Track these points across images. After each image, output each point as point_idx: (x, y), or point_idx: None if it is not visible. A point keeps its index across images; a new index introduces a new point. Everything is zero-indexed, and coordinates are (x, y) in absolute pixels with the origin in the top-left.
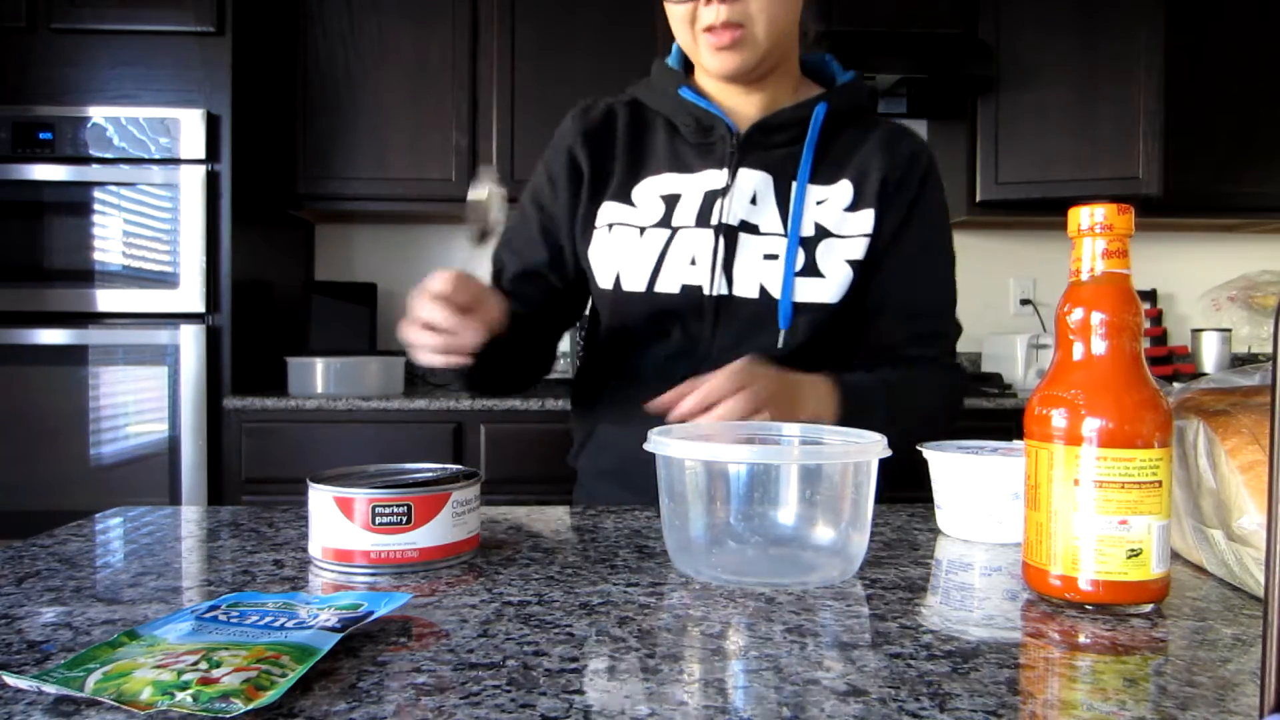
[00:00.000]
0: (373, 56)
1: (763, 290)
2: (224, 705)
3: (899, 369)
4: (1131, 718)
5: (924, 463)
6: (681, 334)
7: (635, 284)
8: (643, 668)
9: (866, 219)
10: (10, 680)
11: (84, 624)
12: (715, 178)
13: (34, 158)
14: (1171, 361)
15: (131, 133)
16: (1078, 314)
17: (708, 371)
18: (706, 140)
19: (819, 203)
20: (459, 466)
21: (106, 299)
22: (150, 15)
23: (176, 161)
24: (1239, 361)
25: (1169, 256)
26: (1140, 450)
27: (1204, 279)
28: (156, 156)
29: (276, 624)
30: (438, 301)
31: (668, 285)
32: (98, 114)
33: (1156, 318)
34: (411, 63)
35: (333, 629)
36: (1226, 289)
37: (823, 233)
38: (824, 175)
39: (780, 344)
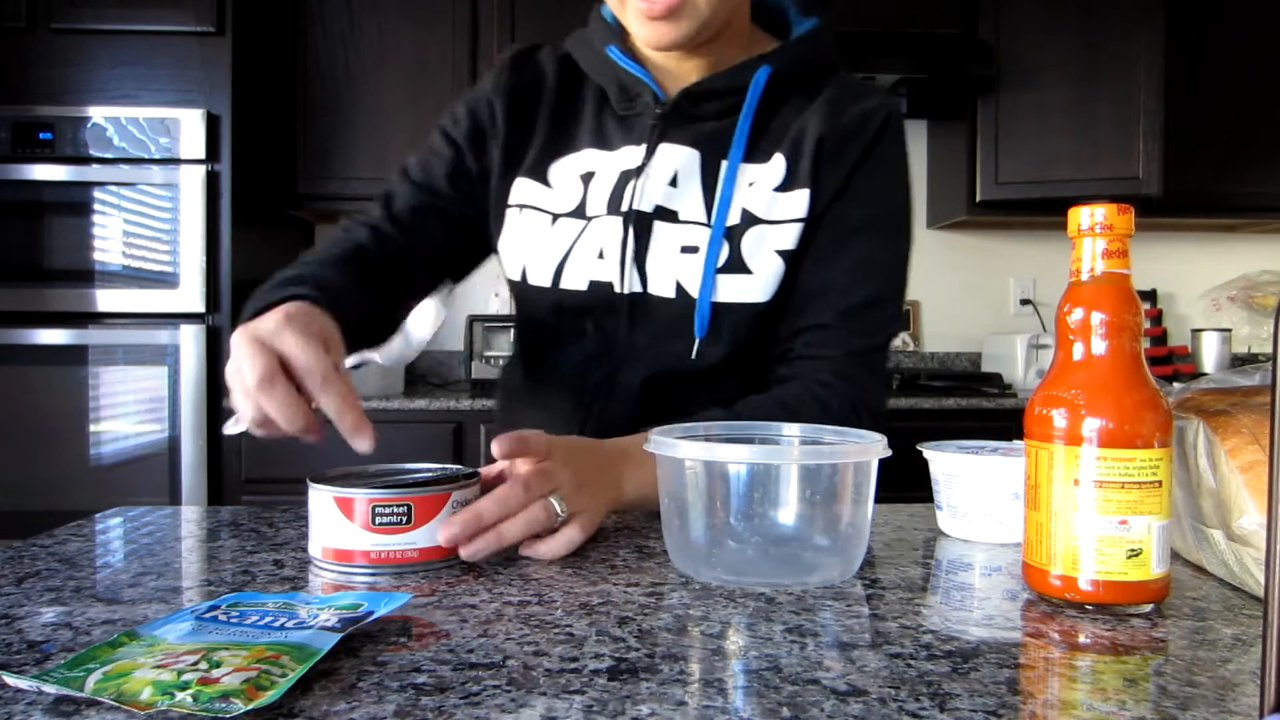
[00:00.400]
0: (373, 56)
1: (680, 289)
2: (224, 705)
3: (764, 394)
4: (1131, 718)
5: (924, 462)
6: (596, 334)
7: (541, 278)
8: (643, 668)
9: (800, 201)
10: (10, 680)
11: (84, 624)
12: (632, 155)
13: (34, 158)
14: (1171, 361)
15: (131, 133)
16: (1078, 314)
17: (616, 394)
18: (631, 111)
19: (750, 184)
20: (458, 466)
21: (106, 299)
22: (150, 15)
23: (176, 161)
24: (1239, 361)
25: (1169, 256)
26: (1140, 450)
27: (1204, 279)
28: (156, 156)
29: (276, 624)
30: (265, 394)
31: (574, 281)
32: (98, 114)
33: (1156, 318)
34: (411, 63)
35: (333, 629)
36: (1226, 289)
37: (750, 220)
38: (761, 151)
39: (694, 353)
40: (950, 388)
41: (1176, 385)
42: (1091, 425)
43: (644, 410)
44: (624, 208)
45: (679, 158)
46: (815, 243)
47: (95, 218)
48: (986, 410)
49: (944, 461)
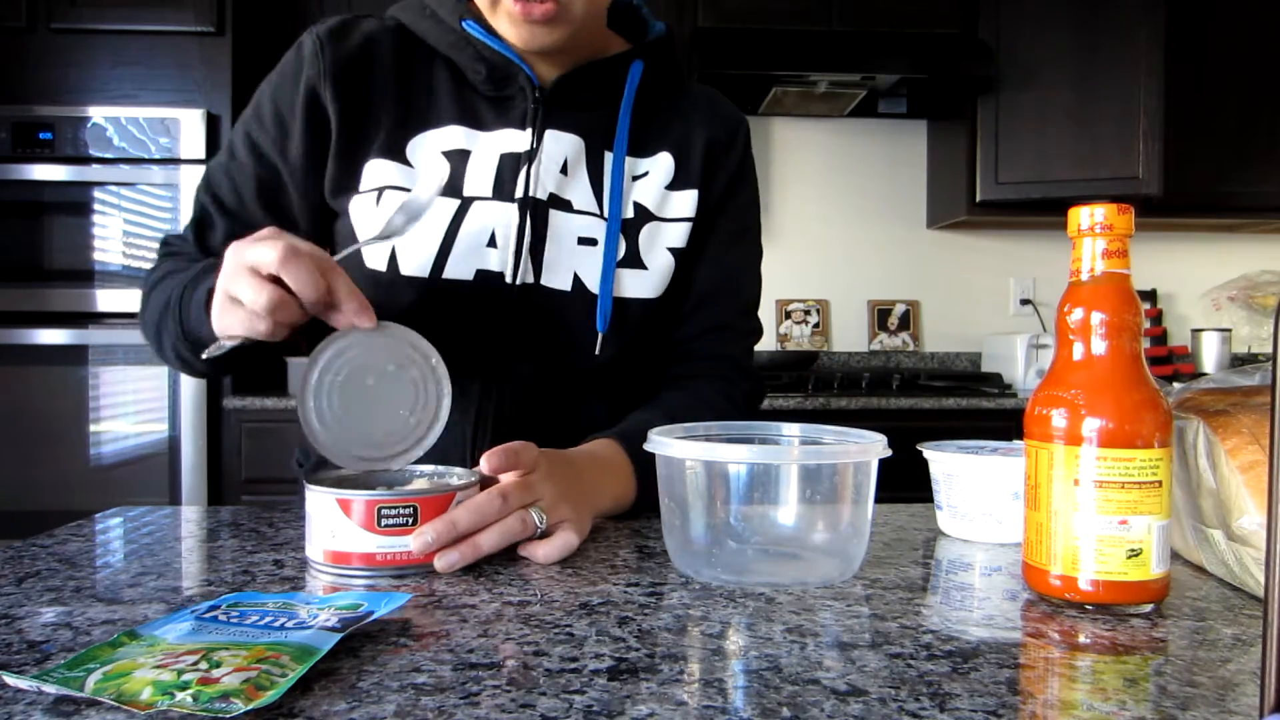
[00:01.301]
0: None
1: (577, 281)
2: (224, 705)
3: (681, 391)
4: (1131, 718)
5: (924, 462)
6: (477, 334)
7: (416, 267)
8: (643, 668)
9: (688, 200)
10: (10, 680)
11: (84, 624)
12: (515, 139)
13: (34, 158)
14: (1171, 361)
15: (131, 133)
16: (1078, 314)
17: (505, 389)
18: (502, 93)
19: (636, 178)
20: (454, 468)
21: (106, 299)
22: (150, 15)
23: (176, 161)
24: (1239, 361)
25: (1169, 256)
26: (1140, 450)
27: (1204, 279)
28: (156, 156)
29: (276, 624)
30: (303, 263)
31: (459, 270)
32: (98, 114)
33: (1156, 318)
34: None
35: (333, 629)
36: (1226, 289)
37: (644, 215)
38: (641, 145)
39: (598, 349)
40: (950, 388)
41: (1176, 385)
42: (1091, 425)
43: (534, 407)
44: (518, 194)
45: (567, 145)
46: (709, 244)
47: (95, 218)
48: (986, 410)
49: (944, 461)
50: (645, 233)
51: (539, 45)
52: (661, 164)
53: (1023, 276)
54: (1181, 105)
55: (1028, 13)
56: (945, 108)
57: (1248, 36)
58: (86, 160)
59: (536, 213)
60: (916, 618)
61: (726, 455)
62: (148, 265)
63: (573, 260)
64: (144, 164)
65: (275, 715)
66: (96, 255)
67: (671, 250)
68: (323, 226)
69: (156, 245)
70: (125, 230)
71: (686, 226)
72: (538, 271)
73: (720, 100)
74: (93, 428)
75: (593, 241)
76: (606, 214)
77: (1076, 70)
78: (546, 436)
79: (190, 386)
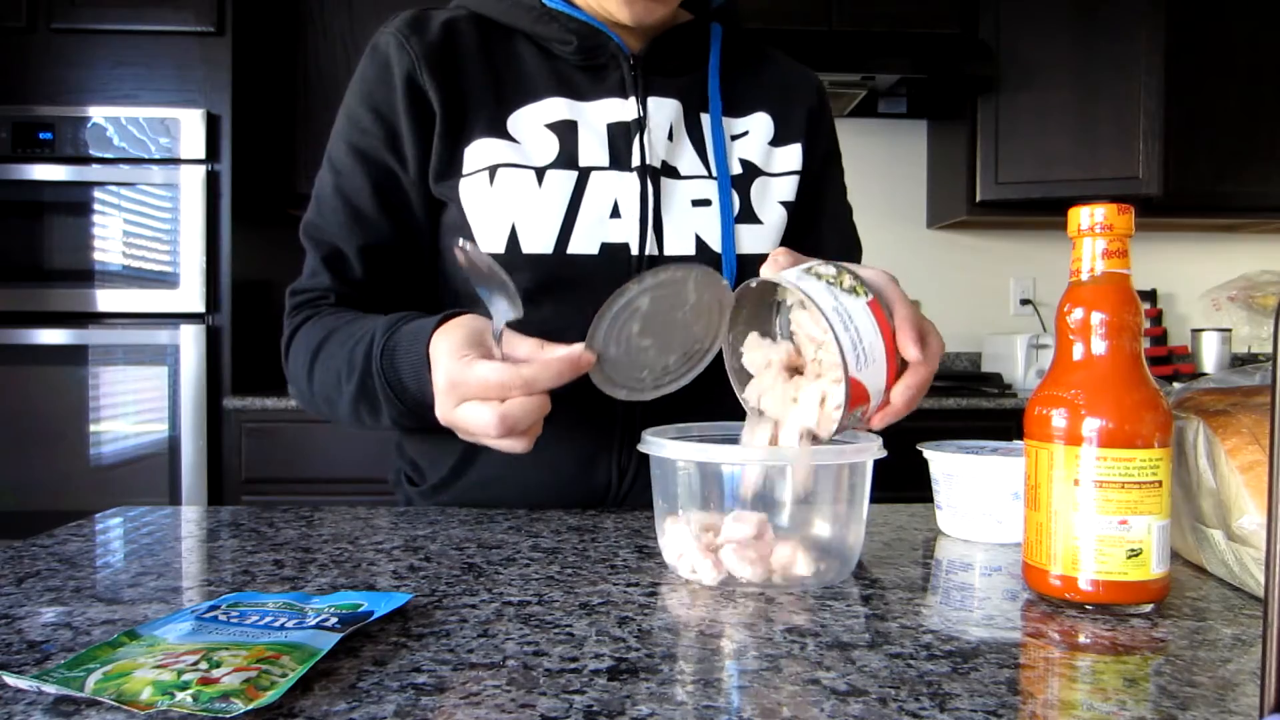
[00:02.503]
0: None
1: (699, 243)
2: (224, 705)
3: None
4: (1131, 718)
5: (924, 462)
6: (595, 310)
7: (539, 243)
8: (643, 668)
9: (793, 154)
10: (10, 680)
11: (84, 624)
12: (620, 108)
13: (34, 158)
14: (1171, 361)
15: (131, 133)
16: (1078, 314)
17: None
18: (594, 61)
19: (735, 137)
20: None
21: (106, 299)
22: (150, 15)
23: (176, 161)
24: (1239, 361)
25: (1169, 256)
26: (1140, 450)
27: (1204, 279)
28: (156, 156)
29: (276, 624)
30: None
31: (584, 245)
32: (98, 114)
33: (1156, 318)
34: None
35: (333, 629)
36: (1226, 289)
37: (752, 171)
38: (733, 105)
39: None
40: (950, 388)
41: (1176, 385)
42: (1091, 425)
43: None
44: (635, 162)
45: (670, 111)
46: (820, 198)
47: (95, 218)
48: (986, 410)
49: (944, 461)
50: (756, 187)
51: (654, 19)
52: (760, 123)
53: (1023, 276)
54: (1181, 105)
55: (1028, 13)
56: (945, 108)
57: (1248, 36)
58: (86, 160)
59: (655, 180)
60: (916, 618)
61: (720, 456)
62: (148, 265)
63: (692, 222)
64: (144, 164)
65: (275, 715)
66: (96, 255)
67: (783, 204)
68: (449, 194)
69: (157, 245)
70: (125, 230)
71: (795, 180)
72: (659, 241)
73: (800, 67)
74: (93, 428)
75: (706, 202)
76: (715, 173)
77: (1076, 70)
78: (691, 404)
79: (190, 387)
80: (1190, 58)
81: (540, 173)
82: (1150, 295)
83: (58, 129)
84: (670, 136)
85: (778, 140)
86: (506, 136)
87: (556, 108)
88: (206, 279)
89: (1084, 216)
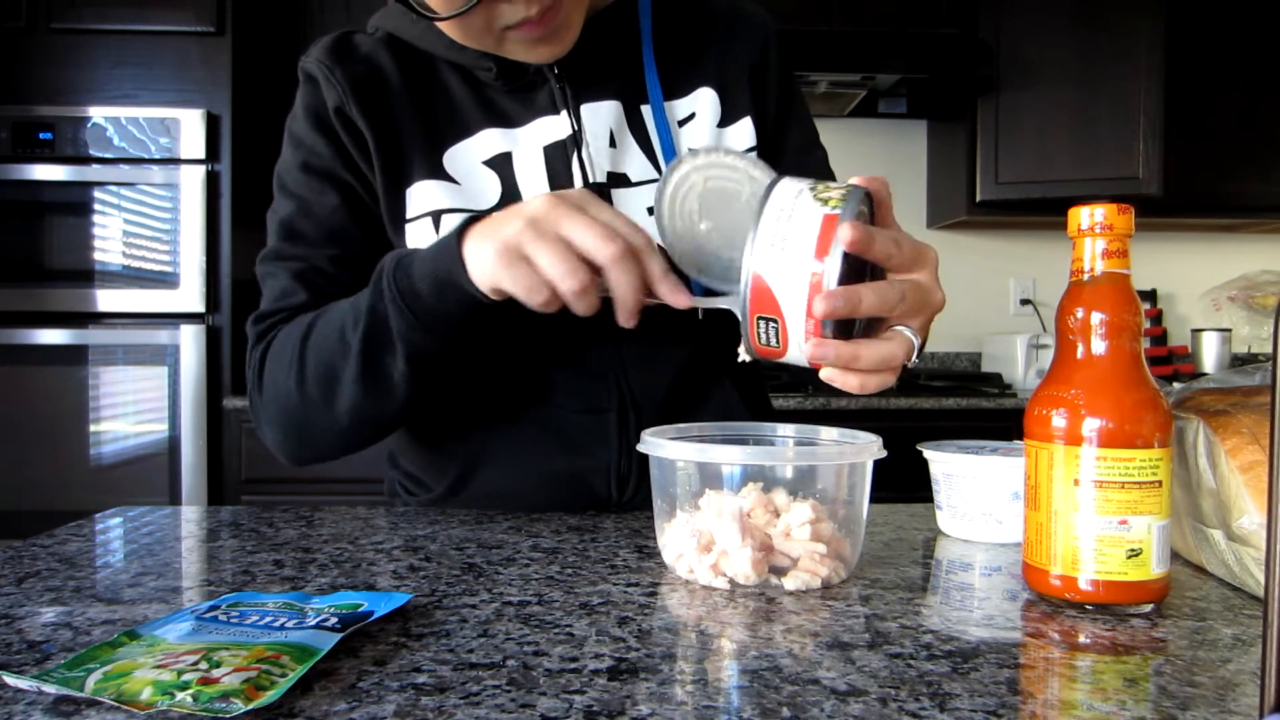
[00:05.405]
0: None
1: None
2: (224, 705)
3: None
4: (1131, 718)
5: (923, 462)
6: (563, 333)
7: None
8: (643, 668)
9: (745, 131)
10: (10, 680)
11: (84, 624)
12: (553, 126)
13: (34, 158)
14: (1171, 361)
15: (131, 133)
16: (1078, 314)
17: (609, 375)
18: (519, 83)
19: (682, 123)
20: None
21: (106, 299)
22: (150, 15)
23: (176, 161)
24: (1239, 361)
25: (1169, 256)
26: (1140, 450)
27: (1204, 279)
28: (156, 156)
29: (276, 624)
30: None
31: None
32: (98, 114)
33: (1156, 318)
34: None
35: (333, 629)
36: (1226, 289)
37: None
38: (675, 85)
39: (700, 314)
40: (950, 388)
41: (1176, 385)
42: (1091, 425)
43: (657, 380)
44: (577, 183)
45: (606, 115)
46: (783, 166)
47: (95, 218)
48: (986, 410)
49: (944, 461)
50: None
51: (557, 56)
52: (704, 101)
53: (1023, 276)
54: (1181, 105)
55: (1028, 13)
56: (945, 108)
57: (1248, 36)
58: (86, 160)
59: (603, 196)
60: (916, 618)
61: (720, 457)
62: (148, 265)
63: (652, 230)
64: (144, 164)
65: (275, 715)
66: (96, 255)
67: None
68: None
69: (157, 245)
70: (125, 230)
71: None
72: None
73: (743, 10)
74: (93, 428)
75: None
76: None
77: (1076, 70)
78: (680, 401)
79: (190, 387)
80: (1190, 58)
81: (483, 216)
82: (1150, 295)
83: (58, 129)
84: (613, 143)
85: (726, 119)
86: (445, 177)
87: (491, 140)
88: (206, 279)
89: (1084, 216)
